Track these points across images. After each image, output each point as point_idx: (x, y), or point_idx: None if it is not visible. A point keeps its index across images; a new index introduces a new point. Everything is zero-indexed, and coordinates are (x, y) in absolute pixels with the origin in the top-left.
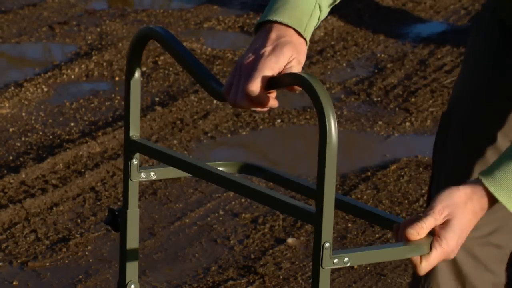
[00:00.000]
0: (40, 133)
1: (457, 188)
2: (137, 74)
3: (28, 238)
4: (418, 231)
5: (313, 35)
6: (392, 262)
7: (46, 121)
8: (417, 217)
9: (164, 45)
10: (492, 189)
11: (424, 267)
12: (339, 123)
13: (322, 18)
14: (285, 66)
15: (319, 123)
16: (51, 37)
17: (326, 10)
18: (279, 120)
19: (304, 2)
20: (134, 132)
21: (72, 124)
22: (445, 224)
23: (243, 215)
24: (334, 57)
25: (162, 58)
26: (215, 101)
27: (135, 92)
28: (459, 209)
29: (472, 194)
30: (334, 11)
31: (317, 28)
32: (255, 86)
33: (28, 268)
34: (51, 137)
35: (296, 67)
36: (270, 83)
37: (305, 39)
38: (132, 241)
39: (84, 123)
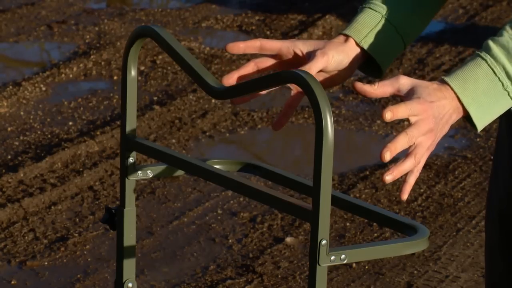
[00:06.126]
0: (39, 132)
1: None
2: (133, 72)
3: (26, 237)
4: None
5: (311, 34)
6: (391, 261)
7: (45, 120)
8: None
9: (160, 44)
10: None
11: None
12: (337, 122)
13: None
14: (308, 52)
15: (315, 119)
16: (49, 36)
17: (401, 27)
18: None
19: (368, 17)
20: (131, 131)
21: (70, 123)
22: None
23: (242, 214)
24: None
25: (160, 57)
26: (213, 100)
27: (132, 91)
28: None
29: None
30: (333, 10)
31: (315, 27)
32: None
33: (27, 267)
34: (49, 136)
35: (318, 57)
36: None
37: (362, 48)
38: (129, 239)
39: (82, 122)
